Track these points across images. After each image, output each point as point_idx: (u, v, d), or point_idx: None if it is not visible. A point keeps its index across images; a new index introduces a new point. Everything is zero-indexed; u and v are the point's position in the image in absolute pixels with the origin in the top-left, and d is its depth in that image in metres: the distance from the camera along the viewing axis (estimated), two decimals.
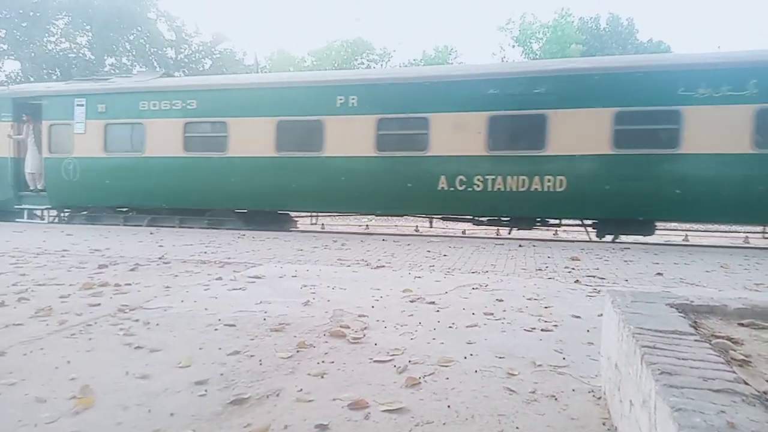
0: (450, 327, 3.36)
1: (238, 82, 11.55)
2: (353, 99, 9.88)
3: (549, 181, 8.93)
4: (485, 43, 71.76)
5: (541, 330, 3.32)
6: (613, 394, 1.98)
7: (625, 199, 8.70)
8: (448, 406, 2.15)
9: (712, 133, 8.20)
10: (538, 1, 67.10)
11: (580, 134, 8.77)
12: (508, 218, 9.81)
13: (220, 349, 2.85)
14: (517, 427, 1.97)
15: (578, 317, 3.66)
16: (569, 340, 3.11)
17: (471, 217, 10.03)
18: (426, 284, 4.83)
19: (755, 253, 7.69)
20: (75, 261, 5.90)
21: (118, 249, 7.12)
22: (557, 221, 10.00)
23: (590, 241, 9.28)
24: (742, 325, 2.02)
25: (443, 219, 10.75)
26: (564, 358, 2.76)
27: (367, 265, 6.02)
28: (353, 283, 4.81)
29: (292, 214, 11.93)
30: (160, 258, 6.24)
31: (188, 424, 1.99)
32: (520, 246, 8.17)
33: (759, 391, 1.33)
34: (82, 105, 11.44)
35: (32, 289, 4.30)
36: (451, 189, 9.39)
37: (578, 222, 9.97)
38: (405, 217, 13.83)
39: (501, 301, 4.15)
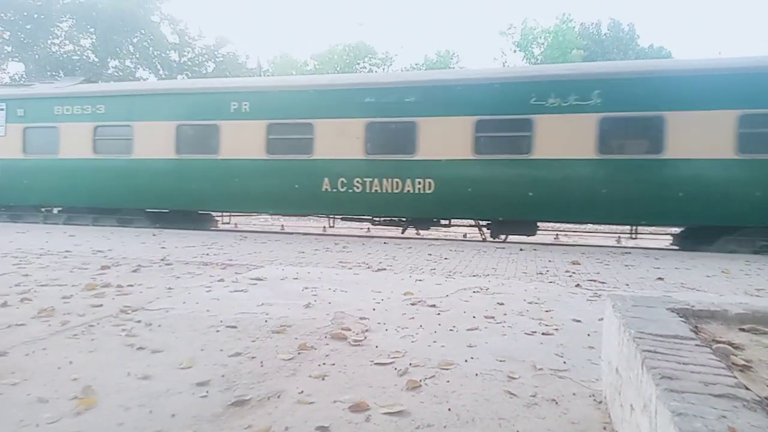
0: (451, 330, 3.36)
1: (141, 88, 12.32)
2: (245, 105, 10.49)
3: (419, 183, 9.59)
4: (487, 47, 71.81)
5: (542, 334, 3.32)
6: (614, 399, 1.98)
7: (487, 199, 9.37)
8: (449, 409, 2.15)
9: (560, 139, 8.90)
10: (540, 6, 67.14)
11: (446, 140, 9.42)
12: (405, 218, 10.35)
13: (221, 350, 2.85)
14: (517, 431, 1.97)
15: (579, 321, 3.66)
16: (570, 344, 3.11)
17: (369, 217, 10.59)
18: (427, 287, 4.84)
19: (756, 259, 7.68)
20: (78, 262, 5.91)
21: (120, 250, 7.14)
22: (447, 221, 10.52)
23: (592, 245, 9.28)
24: (743, 330, 2.03)
25: (343, 219, 11.35)
26: (565, 362, 2.76)
27: (369, 267, 6.03)
28: (354, 286, 4.82)
29: (214, 213, 12.51)
30: (162, 259, 6.26)
31: (189, 425, 2.00)
32: (521, 250, 8.17)
33: (760, 397, 1.34)
34: (3, 109, 12.08)
35: (35, 290, 4.31)
36: (334, 190, 10.07)
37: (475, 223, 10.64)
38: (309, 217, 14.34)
39: (502, 304, 4.15)
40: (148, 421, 2.03)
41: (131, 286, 4.58)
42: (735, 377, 1.46)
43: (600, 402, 2.24)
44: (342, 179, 9.97)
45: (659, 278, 5.69)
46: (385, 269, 5.93)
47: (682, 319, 2.05)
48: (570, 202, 8.92)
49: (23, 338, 2.99)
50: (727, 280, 5.67)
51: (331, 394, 2.29)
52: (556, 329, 3.43)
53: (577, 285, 5.17)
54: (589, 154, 8.77)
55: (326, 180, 10.06)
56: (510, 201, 9.19)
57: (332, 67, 39.27)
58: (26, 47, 30.26)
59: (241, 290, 4.50)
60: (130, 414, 2.08)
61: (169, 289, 4.52)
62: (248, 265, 5.92)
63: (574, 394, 2.34)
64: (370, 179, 9.81)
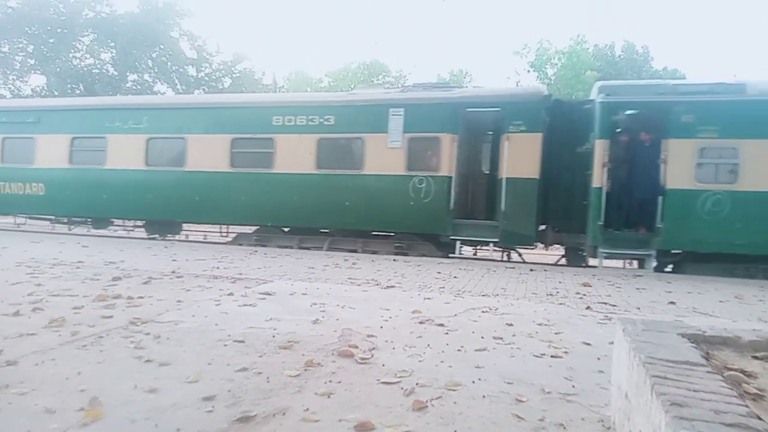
0: (459, 350, 3.34)
1: None
2: None
3: (35, 186, 12.20)
4: (501, 67, 72.02)
5: (551, 356, 3.29)
6: (623, 425, 1.95)
7: (76, 201, 12.01)
8: (455, 431, 2.13)
9: (124, 153, 11.54)
10: (555, 27, 67.45)
11: (51, 153, 12.06)
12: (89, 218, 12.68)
13: (228, 365, 2.86)
14: None
15: (589, 344, 3.62)
16: (579, 367, 3.07)
17: (54, 217, 12.98)
18: (435, 306, 4.81)
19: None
20: (90, 273, 5.97)
21: (132, 262, 7.20)
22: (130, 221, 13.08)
23: (600, 266, 9.19)
24: (756, 357, 1.99)
25: (30, 218, 13.45)
26: (574, 386, 2.73)
27: (378, 284, 6.02)
28: (363, 303, 4.80)
29: None
30: (173, 272, 6.30)
31: None
32: (531, 270, 8.12)
33: None
34: None
35: (47, 300, 4.35)
36: None
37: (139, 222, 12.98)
38: None
39: (511, 325, 4.12)
40: None
41: (141, 298, 4.61)
42: (747, 406, 1.44)
43: (609, 428, 2.20)
44: None
45: (671, 302, 5.61)
46: (393, 287, 5.92)
47: (694, 345, 2.02)
48: (129, 204, 11.63)
49: (33, 348, 3.02)
50: (740, 306, 5.58)
51: (336, 413, 2.27)
52: (566, 352, 3.40)
53: (588, 307, 5.12)
54: (141, 165, 11.46)
55: None
56: (90, 202, 11.89)
57: (346, 84, 39.61)
58: (48, 60, 30.89)
59: (250, 305, 4.51)
60: (136, 427, 2.09)
61: (179, 301, 4.54)
62: (257, 280, 5.94)
63: (582, 418, 2.31)
64: (3, 183, 12.44)
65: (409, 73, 42.44)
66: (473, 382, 2.73)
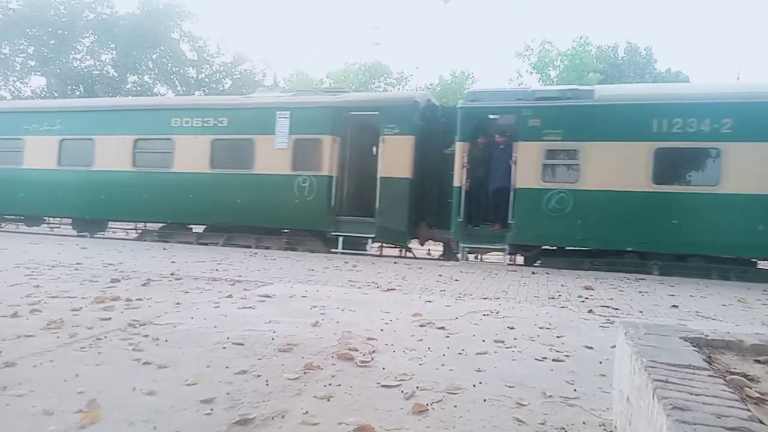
0: (459, 353, 3.32)
1: None
2: None
3: None
4: (503, 68, 72.00)
5: (553, 360, 3.27)
6: (625, 428, 1.94)
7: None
8: None
9: (41, 155, 12.26)
10: (558, 28, 67.52)
11: None
12: None
13: (227, 367, 2.84)
14: None
15: (591, 348, 3.60)
16: (581, 371, 3.06)
17: None
18: (436, 309, 4.80)
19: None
20: (88, 274, 5.96)
21: (131, 264, 7.19)
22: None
23: (603, 269, 9.18)
24: (758, 361, 1.98)
25: None
26: (575, 390, 2.71)
27: (378, 287, 6.00)
28: (363, 306, 4.79)
29: None
30: (171, 274, 6.28)
31: None
32: (533, 273, 8.10)
33: None
34: None
35: (45, 301, 4.34)
36: None
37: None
38: None
39: (512, 328, 4.10)
40: None
41: (140, 300, 4.60)
42: (749, 410, 1.42)
43: None
44: None
45: (674, 306, 5.60)
46: (394, 289, 5.90)
47: (696, 349, 2.00)
48: (45, 202, 12.22)
49: (32, 349, 3.01)
50: (743, 310, 5.57)
51: (336, 416, 2.26)
52: (568, 356, 3.38)
53: (590, 311, 5.11)
54: (54, 165, 12.08)
55: None
56: (13, 200, 12.57)
57: (347, 85, 39.60)
58: (49, 62, 30.94)
59: (249, 307, 4.50)
60: (134, 429, 2.07)
61: (178, 304, 4.53)
62: (257, 282, 5.93)
63: (584, 422, 2.29)
64: None
65: (411, 74, 42.22)
66: (474, 385, 2.71)
